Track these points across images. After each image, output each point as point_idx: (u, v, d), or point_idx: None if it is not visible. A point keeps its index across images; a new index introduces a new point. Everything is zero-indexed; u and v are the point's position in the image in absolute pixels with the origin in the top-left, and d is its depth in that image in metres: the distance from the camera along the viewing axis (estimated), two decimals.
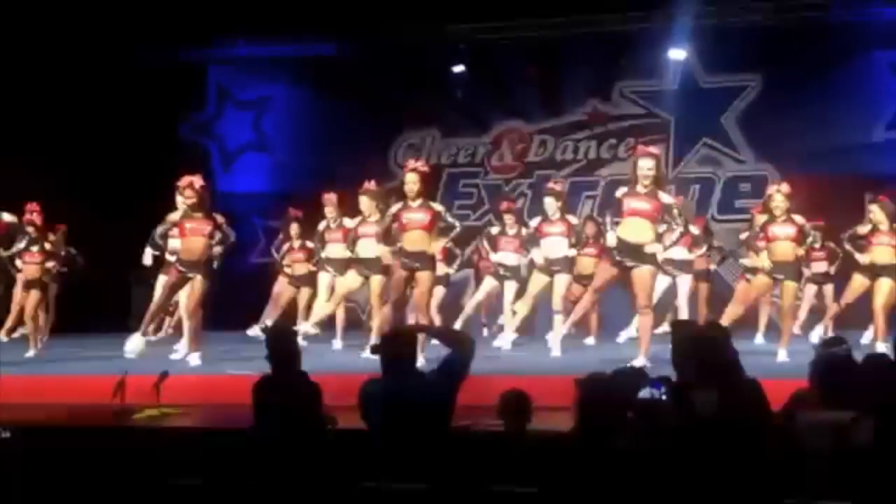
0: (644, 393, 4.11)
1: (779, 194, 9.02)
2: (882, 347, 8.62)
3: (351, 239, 9.97)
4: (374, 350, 4.76)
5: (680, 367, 4.52)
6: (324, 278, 10.81)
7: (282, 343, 4.99)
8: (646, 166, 8.26)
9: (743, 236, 10.53)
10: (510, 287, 10.88)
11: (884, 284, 9.60)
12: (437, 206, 8.98)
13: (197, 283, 9.20)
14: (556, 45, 13.70)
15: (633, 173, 8.35)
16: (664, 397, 4.08)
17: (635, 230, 8.30)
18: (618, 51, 13.76)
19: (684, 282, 10.63)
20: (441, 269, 11.46)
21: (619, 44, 13.61)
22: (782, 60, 13.15)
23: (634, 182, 8.31)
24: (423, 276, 8.76)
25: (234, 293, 11.32)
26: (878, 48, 13.14)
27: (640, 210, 8.29)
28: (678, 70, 13.70)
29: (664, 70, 13.78)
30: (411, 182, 8.69)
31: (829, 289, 11.61)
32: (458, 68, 13.78)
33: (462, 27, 13.39)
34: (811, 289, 11.67)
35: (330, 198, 10.74)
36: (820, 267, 11.56)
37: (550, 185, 10.73)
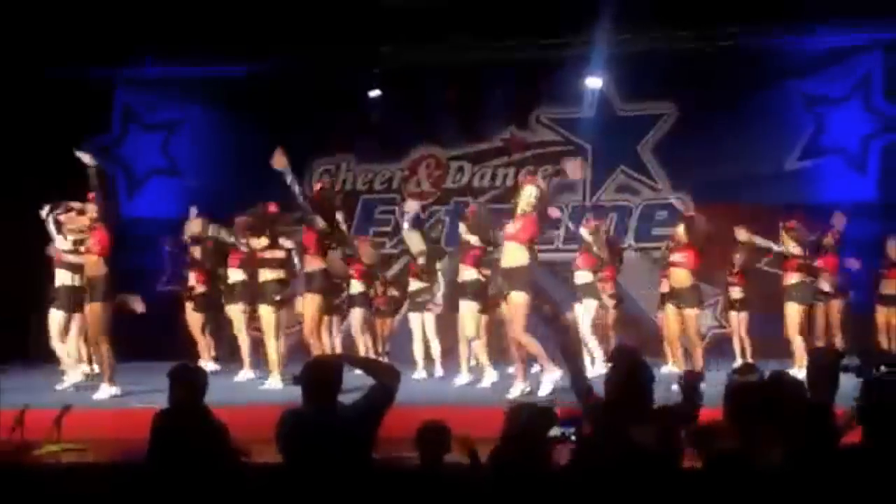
0: (554, 431, 4.05)
1: (681, 224, 9.38)
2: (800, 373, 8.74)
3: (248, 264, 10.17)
4: (296, 380, 4.52)
5: (612, 396, 4.39)
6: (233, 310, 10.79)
7: (187, 377, 4.89)
8: (532, 194, 8.35)
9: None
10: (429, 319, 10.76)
11: (789, 308, 9.89)
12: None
13: (95, 307, 8.80)
14: (473, 72, 13.68)
15: (515, 199, 8.49)
16: (573, 437, 4.13)
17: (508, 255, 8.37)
18: (535, 78, 13.81)
19: (589, 307, 10.54)
20: (358, 286, 11.22)
21: (536, 71, 13.64)
22: (697, 90, 13.34)
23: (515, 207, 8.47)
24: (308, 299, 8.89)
25: (140, 322, 10.88)
26: (791, 78, 13.43)
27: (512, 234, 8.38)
28: (595, 98, 13.77)
29: (581, 98, 13.81)
30: None
31: (743, 316, 11.70)
32: (374, 93, 13.60)
33: (378, 51, 13.22)
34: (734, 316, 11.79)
35: (239, 221, 10.62)
36: (735, 293, 11.68)
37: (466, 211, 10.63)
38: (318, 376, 4.48)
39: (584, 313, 10.47)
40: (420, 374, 10.75)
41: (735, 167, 13.22)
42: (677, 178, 13.85)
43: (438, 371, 10.91)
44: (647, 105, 14.03)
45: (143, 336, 11.38)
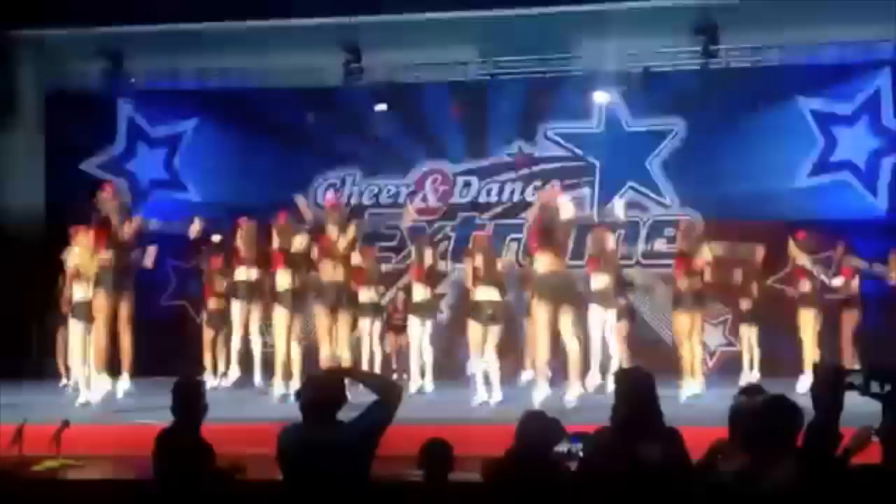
0: (561, 446, 3.96)
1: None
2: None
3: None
4: (297, 395, 4.41)
5: (620, 415, 4.29)
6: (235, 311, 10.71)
7: (188, 395, 4.81)
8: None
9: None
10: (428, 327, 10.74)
11: (803, 316, 10.17)
12: None
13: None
14: (480, 86, 13.56)
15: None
16: (581, 453, 4.01)
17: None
18: (543, 93, 13.67)
19: (610, 316, 10.43)
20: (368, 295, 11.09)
21: (544, 85, 13.50)
22: (706, 105, 13.27)
23: None
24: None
25: (144, 337, 10.78)
26: (800, 95, 13.32)
27: None
28: (603, 113, 13.67)
29: (589, 113, 13.72)
30: None
31: (754, 330, 11.59)
32: (381, 107, 13.51)
33: (385, 65, 13.18)
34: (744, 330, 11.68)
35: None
36: (745, 304, 11.59)
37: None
38: (319, 392, 4.35)
39: (597, 321, 10.34)
40: (414, 386, 10.52)
41: (744, 184, 13.10)
42: (686, 194, 13.73)
43: (429, 385, 10.68)
44: (655, 120, 13.89)
45: (146, 351, 11.26)
